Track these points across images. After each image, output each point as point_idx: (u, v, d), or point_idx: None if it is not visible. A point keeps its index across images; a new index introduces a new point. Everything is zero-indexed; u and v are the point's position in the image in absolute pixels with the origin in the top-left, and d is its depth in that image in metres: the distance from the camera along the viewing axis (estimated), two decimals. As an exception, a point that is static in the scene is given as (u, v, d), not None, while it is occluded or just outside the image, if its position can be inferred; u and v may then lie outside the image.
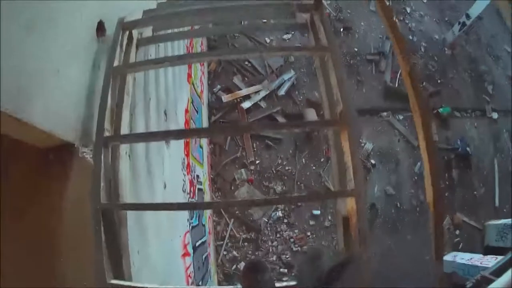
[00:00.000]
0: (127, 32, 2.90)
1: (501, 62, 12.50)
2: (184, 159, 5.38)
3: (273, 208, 8.85)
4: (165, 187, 4.03)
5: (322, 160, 9.30)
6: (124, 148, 2.60)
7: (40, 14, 1.93)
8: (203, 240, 6.53)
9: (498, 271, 2.68)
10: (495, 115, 11.54)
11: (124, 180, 2.55)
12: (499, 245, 9.53)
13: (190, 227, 5.47)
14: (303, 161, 9.36)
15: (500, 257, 8.08)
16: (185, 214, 5.20)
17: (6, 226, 2.08)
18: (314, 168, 9.34)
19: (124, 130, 2.61)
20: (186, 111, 5.82)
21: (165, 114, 4.35)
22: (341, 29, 11.03)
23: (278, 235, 8.84)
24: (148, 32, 3.24)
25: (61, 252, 2.21)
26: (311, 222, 9.00)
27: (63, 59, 2.17)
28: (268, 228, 8.80)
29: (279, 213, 8.91)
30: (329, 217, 8.97)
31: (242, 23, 6.81)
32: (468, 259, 8.64)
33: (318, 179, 9.27)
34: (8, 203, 2.10)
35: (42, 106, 1.95)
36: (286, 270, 8.50)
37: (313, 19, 2.96)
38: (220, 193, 8.73)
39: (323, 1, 2.94)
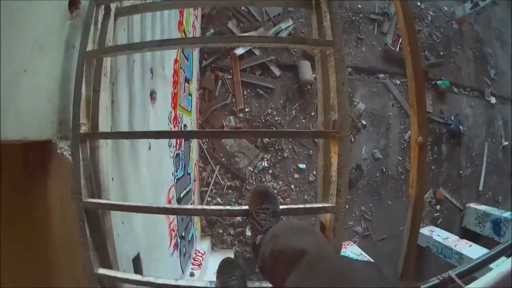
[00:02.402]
0: (103, 6, 2.67)
1: (508, 48, 12.20)
2: (171, 112, 5.26)
3: (259, 158, 8.79)
4: (149, 148, 3.94)
5: (312, 114, 9.15)
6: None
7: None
8: (187, 189, 6.56)
9: (465, 274, 2.68)
10: (493, 100, 11.39)
11: (105, 170, 2.47)
12: (476, 230, 9.84)
13: (175, 180, 5.45)
14: (293, 113, 9.20)
15: (475, 246, 8.27)
16: (170, 168, 5.17)
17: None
18: (303, 121, 9.22)
19: (103, 116, 2.48)
20: (176, 61, 5.66)
21: (151, 72, 4.19)
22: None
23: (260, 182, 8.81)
24: (129, -1, 2.99)
25: (50, 246, 2.26)
26: (296, 176, 8.99)
27: (31, 54, 1.99)
28: (253, 177, 8.77)
29: (265, 163, 8.84)
30: (314, 172, 8.95)
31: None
32: (444, 238, 8.84)
33: (307, 133, 9.13)
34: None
35: (13, 116, 1.82)
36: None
37: (320, 0, 2.62)
38: (207, 139, 8.64)
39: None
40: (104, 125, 2.50)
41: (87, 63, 2.39)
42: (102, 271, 2.25)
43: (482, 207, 9.95)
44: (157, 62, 4.46)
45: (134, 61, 3.53)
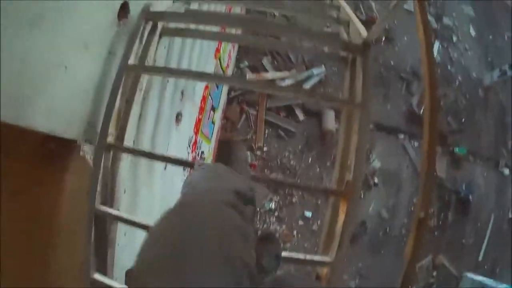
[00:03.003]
0: (151, 22, 2.79)
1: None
2: (192, 137, 5.31)
3: (267, 198, 8.78)
4: (165, 168, 3.97)
5: (328, 164, 9.20)
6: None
7: (50, 5, 1.77)
8: (193, 216, 6.44)
9: None
10: (506, 171, 11.28)
11: (121, 181, 2.55)
12: (469, 300, 9.56)
13: (184, 204, 5.37)
14: (310, 160, 9.28)
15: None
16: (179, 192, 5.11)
17: (3, 206, 2.07)
18: (318, 169, 9.26)
19: (130, 128, 2.56)
20: (206, 87, 5.71)
21: (182, 94, 4.26)
22: (383, 38, 10.80)
23: (265, 226, 8.76)
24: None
25: (54, 235, 2.26)
26: (300, 222, 8.94)
27: (74, 52, 2.06)
28: (257, 217, 8.71)
29: (272, 205, 8.82)
30: (319, 222, 8.91)
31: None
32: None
33: (319, 182, 9.17)
34: (6, 184, 2.07)
35: (45, 108, 1.88)
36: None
37: (356, 61, 2.70)
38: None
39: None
40: (129, 138, 2.58)
41: (126, 75, 2.48)
42: (97, 276, 2.28)
43: (479, 278, 9.70)
44: (189, 85, 4.54)
45: (168, 80, 3.61)
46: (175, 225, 1.28)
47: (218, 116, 7.55)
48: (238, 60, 9.30)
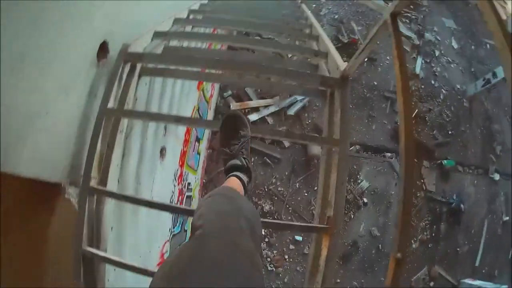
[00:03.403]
0: (129, 63, 2.81)
1: (516, 123, 12.12)
2: (177, 170, 5.35)
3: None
4: (151, 203, 3.96)
5: (315, 188, 9.15)
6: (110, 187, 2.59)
7: (30, 50, 1.76)
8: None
9: None
10: (496, 177, 11.26)
11: (107, 222, 2.57)
12: (469, 306, 9.47)
13: (171, 236, 5.43)
14: (297, 186, 9.29)
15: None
16: (168, 224, 5.19)
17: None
18: (306, 194, 9.29)
19: (113, 170, 2.59)
20: (190, 118, 5.72)
21: (165, 129, 4.31)
22: (365, 59, 10.80)
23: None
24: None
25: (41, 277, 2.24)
26: (291, 247, 8.92)
27: (55, 97, 2.08)
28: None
29: (262, 231, 8.71)
30: (309, 245, 8.79)
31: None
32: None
33: (307, 207, 9.20)
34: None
35: (29, 154, 1.90)
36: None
37: (334, 95, 2.79)
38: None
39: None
40: (113, 177, 2.61)
41: (106, 119, 2.51)
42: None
43: (477, 282, 9.69)
44: (173, 120, 4.53)
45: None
46: (187, 255, 1.30)
47: (203, 146, 7.61)
48: (222, 89, 9.39)
